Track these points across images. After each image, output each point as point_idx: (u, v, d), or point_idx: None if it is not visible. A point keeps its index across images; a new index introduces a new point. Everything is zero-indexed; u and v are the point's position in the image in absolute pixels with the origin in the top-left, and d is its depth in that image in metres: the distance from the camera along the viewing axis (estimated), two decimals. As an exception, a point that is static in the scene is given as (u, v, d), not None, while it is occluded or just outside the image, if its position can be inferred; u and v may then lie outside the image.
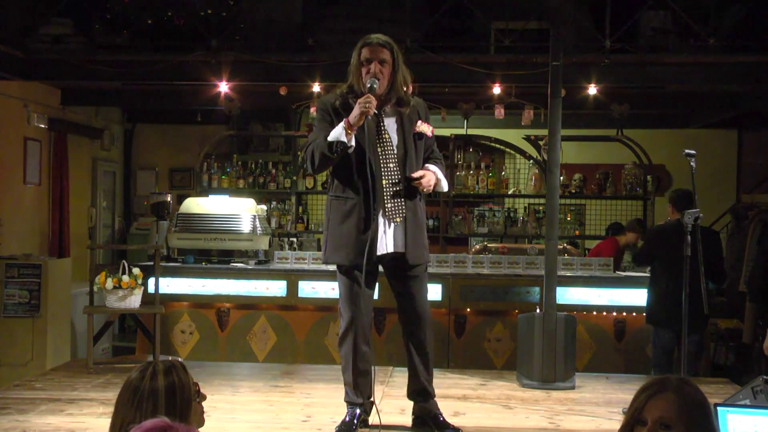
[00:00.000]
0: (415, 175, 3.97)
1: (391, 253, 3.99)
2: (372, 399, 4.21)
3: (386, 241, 3.97)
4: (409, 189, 4.00)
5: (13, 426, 4.15)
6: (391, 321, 6.27)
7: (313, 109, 7.94)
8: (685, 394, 2.18)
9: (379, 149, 3.96)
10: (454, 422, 4.24)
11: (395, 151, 3.99)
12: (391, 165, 3.97)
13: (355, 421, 4.08)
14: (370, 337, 4.16)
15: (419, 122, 4.07)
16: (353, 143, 3.86)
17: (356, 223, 3.93)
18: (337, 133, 3.83)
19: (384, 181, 3.94)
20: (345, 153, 3.87)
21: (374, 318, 4.17)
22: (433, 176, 4.01)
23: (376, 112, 3.92)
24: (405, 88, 4.04)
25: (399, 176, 3.97)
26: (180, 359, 2.61)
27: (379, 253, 3.96)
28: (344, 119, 3.85)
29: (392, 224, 3.97)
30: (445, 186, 4.13)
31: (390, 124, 4.02)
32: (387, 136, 3.98)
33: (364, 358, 4.08)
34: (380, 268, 4.14)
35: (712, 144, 10.13)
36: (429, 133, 4.10)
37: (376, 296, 4.39)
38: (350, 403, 4.14)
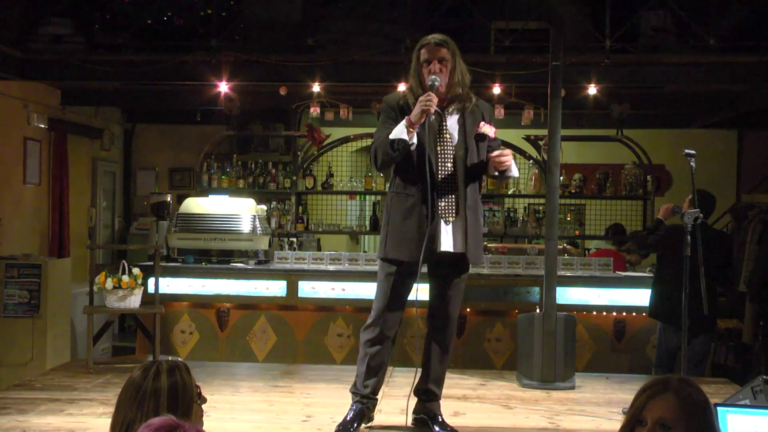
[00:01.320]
0: (494, 153, 3.95)
1: (450, 252, 3.98)
2: (378, 398, 4.20)
3: (445, 240, 3.97)
4: (471, 188, 4.01)
5: (13, 426, 4.15)
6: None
7: (313, 109, 7.96)
8: (685, 396, 2.17)
9: (438, 148, 3.97)
10: (454, 422, 4.24)
11: (455, 150, 3.99)
12: (449, 164, 3.97)
13: (356, 422, 4.07)
14: (395, 336, 4.12)
15: (482, 123, 4.06)
16: (414, 141, 3.88)
17: (417, 221, 3.94)
18: (399, 130, 3.87)
19: (440, 179, 3.95)
20: (407, 150, 3.89)
21: (395, 320, 4.11)
22: (509, 155, 3.99)
23: (438, 110, 3.94)
24: (464, 88, 4.04)
25: (455, 176, 3.97)
26: (181, 360, 2.60)
27: (439, 250, 3.95)
28: (406, 117, 3.88)
29: (449, 223, 3.97)
30: (515, 171, 4.10)
31: (452, 123, 4.03)
32: (448, 135, 4.00)
33: (380, 354, 4.07)
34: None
35: (712, 144, 10.12)
36: (491, 135, 4.08)
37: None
38: (354, 394, 4.13)
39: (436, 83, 3.90)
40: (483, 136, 4.05)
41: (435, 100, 3.83)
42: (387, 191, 4.23)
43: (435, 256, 3.98)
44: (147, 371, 2.40)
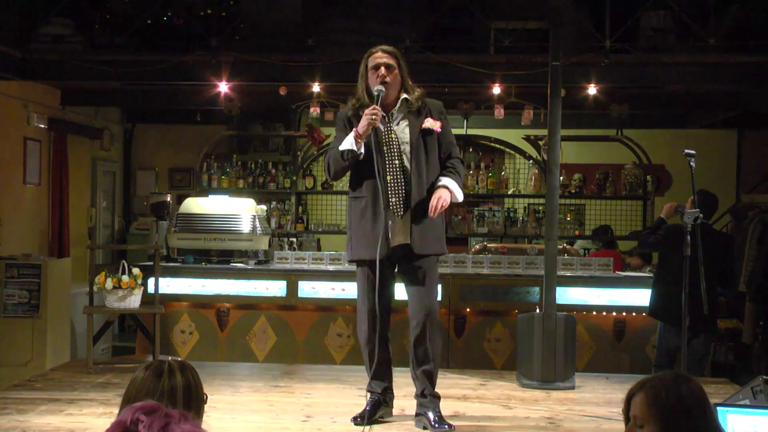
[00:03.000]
0: (429, 209, 4.09)
1: (402, 245, 4.16)
2: (392, 390, 4.36)
3: (396, 233, 4.15)
4: (420, 183, 4.17)
5: (13, 426, 4.15)
6: (392, 321, 6.25)
7: (313, 109, 7.95)
8: (655, 394, 2.19)
9: (384, 148, 4.16)
10: (454, 422, 4.25)
11: (401, 148, 4.17)
12: (396, 161, 4.15)
13: (374, 411, 4.24)
14: (388, 330, 4.31)
15: (428, 119, 4.22)
16: (362, 151, 4.10)
17: (371, 220, 4.14)
18: (348, 142, 4.11)
19: (389, 177, 4.14)
20: (357, 159, 4.11)
21: (381, 315, 4.20)
22: (446, 194, 4.12)
23: (384, 114, 4.14)
24: (412, 94, 4.23)
25: (403, 172, 4.15)
26: (176, 359, 2.59)
27: (392, 245, 4.13)
28: (354, 129, 4.10)
29: (399, 218, 4.14)
30: (459, 197, 4.23)
31: (399, 125, 4.22)
32: (394, 135, 4.18)
33: (378, 350, 4.20)
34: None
35: (712, 144, 10.11)
36: (437, 129, 4.23)
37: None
38: (369, 392, 4.30)
39: (382, 94, 4.11)
40: (429, 131, 4.21)
41: (380, 113, 4.05)
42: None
43: (398, 252, 4.16)
44: (158, 370, 2.35)
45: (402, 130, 4.21)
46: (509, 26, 7.49)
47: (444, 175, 4.23)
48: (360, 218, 4.20)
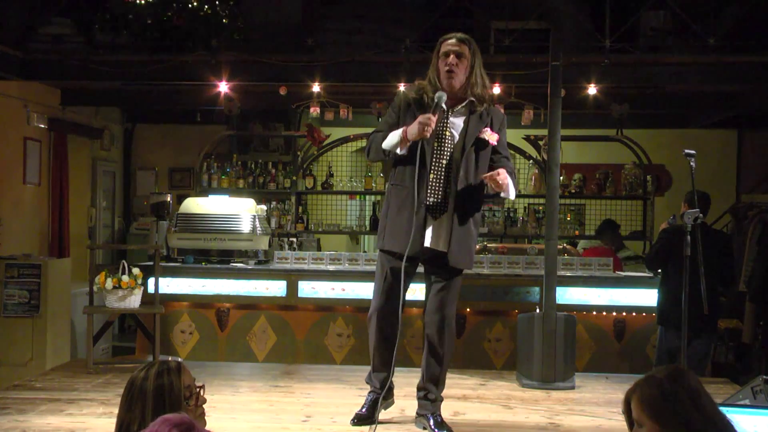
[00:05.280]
0: (488, 175, 3.96)
1: (434, 250, 4.03)
2: (392, 386, 4.25)
3: (431, 235, 4.02)
4: (463, 190, 4.01)
5: (13, 426, 4.15)
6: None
7: (313, 109, 7.95)
8: (648, 393, 2.22)
9: (435, 144, 4.00)
10: (454, 422, 4.25)
11: (452, 150, 4.01)
12: (444, 161, 4.00)
13: (372, 410, 4.18)
14: (398, 326, 4.09)
15: (486, 129, 4.06)
16: (405, 152, 3.94)
17: (409, 213, 3.99)
18: (393, 141, 3.95)
19: (432, 176, 3.99)
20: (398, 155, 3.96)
21: (394, 310, 4.13)
22: (505, 176, 3.97)
23: (444, 107, 3.96)
24: (481, 90, 4.05)
25: (447, 173, 4.00)
26: (179, 360, 2.61)
27: (425, 245, 4.00)
28: (403, 129, 3.93)
29: (437, 221, 4.01)
30: (512, 193, 4.07)
31: (456, 123, 4.05)
32: (448, 133, 4.03)
33: (385, 345, 4.15)
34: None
35: (712, 144, 10.12)
36: (493, 142, 4.07)
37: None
38: (369, 384, 4.28)
39: (442, 100, 3.93)
40: (484, 142, 4.04)
41: (433, 123, 3.86)
42: (387, 183, 4.28)
43: (428, 254, 4.03)
44: (138, 373, 2.44)
45: (458, 129, 4.03)
46: (509, 26, 7.49)
47: (502, 167, 4.02)
48: (399, 208, 4.03)
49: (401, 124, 4.03)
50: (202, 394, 2.57)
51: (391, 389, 4.28)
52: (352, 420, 4.22)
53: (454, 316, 4.21)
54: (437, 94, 3.94)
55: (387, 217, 4.13)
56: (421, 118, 3.87)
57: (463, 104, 4.05)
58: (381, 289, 4.13)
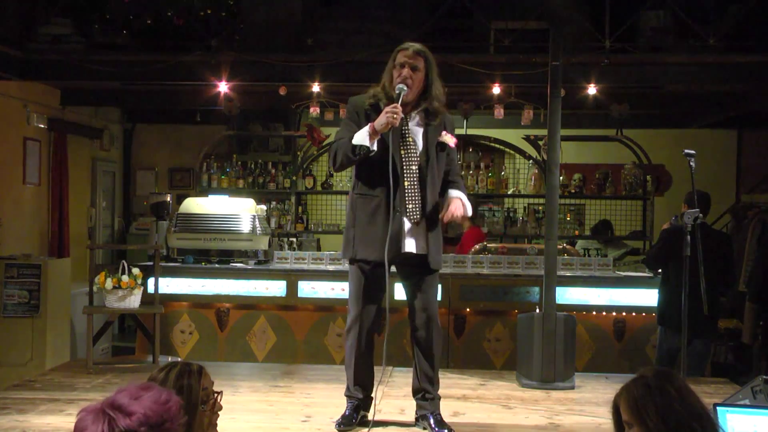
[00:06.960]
0: (443, 215, 4.06)
1: (413, 254, 4.06)
2: (372, 396, 4.25)
3: (409, 241, 4.05)
4: (433, 194, 4.08)
5: (13, 426, 4.15)
6: (391, 321, 6.25)
7: (313, 109, 7.95)
8: (630, 394, 2.25)
9: (402, 151, 4.04)
10: (454, 422, 4.24)
11: (418, 156, 4.05)
12: (414, 167, 4.04)
13: (355, 414, 4.16)
14: (376, 335, 4.21)
15: (444, 132, 4.12)
16: (375, 148, 3.94)
17: (383, 221, 4.00)
18: (362, 136, 3.93)
19: (406, 183, 4.02)
20: (367, 155, 3.95)
21: (374, 318, 4.16)
22: (460, 205, 4.07)
23: (403, 116, 3.99)
24: (437, 104, 4.09)
25: (419, 179, 4.04)
26: (197, 364, 2.63)
27: (403, 250, 4.03)
28: (369, 124, 3.94)
29: (413, 225, 4.04)
30: (470, 211, 4.17)
31: (415, 130, 4.10)
32: (411, 139, 4.07)
33: (366, 355, 4.15)
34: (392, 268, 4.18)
35: (712, 144, 10.12)
36: (452, 144, 4.14)
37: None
38: (349, 398, 4.22)
39: (403, 93, 3.97)
40: (443, 145, 4.12)
41: (400, 112, 3.90)
42: (350, 193, 4.27)
43: (400, 257, 4.05)
44: (159, 373, 2.45)
45: (418, 136, 4.09)
46: (509, 26, 7.49)
47: (453, 188, 4.16)
48: (369, 218, 4.05)
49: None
50: (218, 400, 2.56)
51: (369, 401, 4.26)
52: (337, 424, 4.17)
53: (437, 313, 4.24)
54: (398, 87, 3.97)
55: (354, 228, 4.12)
56: (387, 108, 3.90)
57: (418, 112, 4.09)
58: (360, 299, 4.12)
